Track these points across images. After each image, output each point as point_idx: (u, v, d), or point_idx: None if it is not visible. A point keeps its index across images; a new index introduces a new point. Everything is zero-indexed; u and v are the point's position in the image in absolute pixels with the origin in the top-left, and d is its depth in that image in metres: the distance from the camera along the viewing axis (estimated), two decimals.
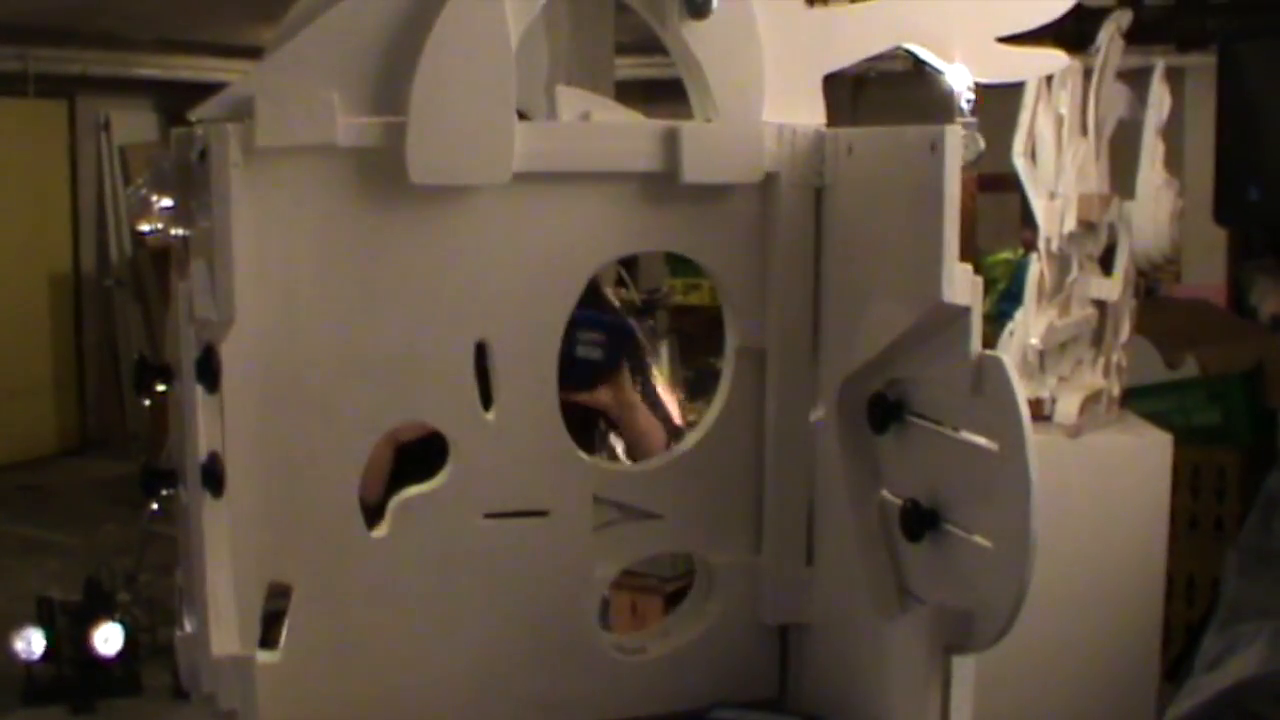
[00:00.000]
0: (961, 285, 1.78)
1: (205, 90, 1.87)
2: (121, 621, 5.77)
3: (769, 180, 2.07)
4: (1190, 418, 5.39)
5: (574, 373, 2.34)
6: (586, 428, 2.63)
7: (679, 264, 6.93)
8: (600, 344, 2.54)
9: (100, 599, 5.83)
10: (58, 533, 8.05)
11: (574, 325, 2.17)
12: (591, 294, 2.21)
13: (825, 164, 2.07)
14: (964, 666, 1.87)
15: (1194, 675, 2.85)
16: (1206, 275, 6.92)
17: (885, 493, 2.01)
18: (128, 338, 10.34)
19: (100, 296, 10.54)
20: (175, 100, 8.46)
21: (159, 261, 9.61)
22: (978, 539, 1.81)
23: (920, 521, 1.89)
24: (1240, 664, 2.70)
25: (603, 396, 2.71)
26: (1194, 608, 5.12)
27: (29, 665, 5.73)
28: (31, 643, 5.68)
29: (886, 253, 1.92)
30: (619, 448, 2.93)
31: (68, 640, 5.72)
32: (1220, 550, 3.91)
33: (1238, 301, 6.89)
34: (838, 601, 2.08)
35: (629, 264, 6.90)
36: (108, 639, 5.67)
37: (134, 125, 10.36)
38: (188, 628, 1.91)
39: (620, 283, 6.33)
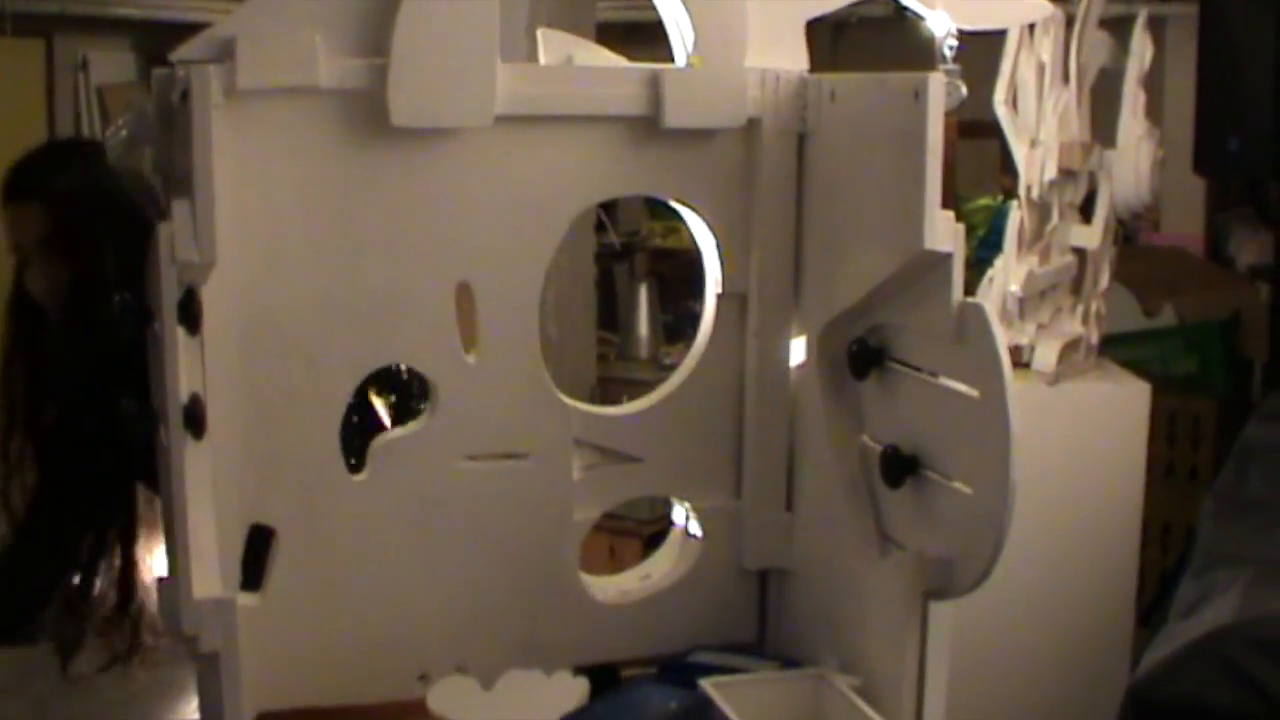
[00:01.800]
0: (943, 232, 1.79)
1: (184, 30, 1.86)
2: None
3: (751, 125, 2.07)
4: (1168, 366, 5.40)
5: None
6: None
7: (658, 207, 6.89)
8: None
9: None
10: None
11: None
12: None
13: (808, 110, 2.07)
14: (942, 612, 1.88)
15: (1169, 622, 2.88)
16: (1185, 224, 6.90)
17: (865, 438, 2.02)
18: None
19: None
20: (154, 40, 8.37)
21: None
22: (957, 485, 1.82)
23: (900, 467, 1.90)
24: (1215, 611, 2.72)
25: None
26: (1169, 555, 5.14)
27: None
28: None
29: (868, 199, 1.93)
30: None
31: None
32: (1196, 498, 3.93)
33: (1215, 251, 6.89)
34: (817, 546, 2.10)
35: (608, 206, 6.86)
36: None
37: (112, 65, 10.23)
38: (168, 570, 1.92)
39: (599, 226, 6.31)
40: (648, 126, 2.03)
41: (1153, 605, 4.58)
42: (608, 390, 5.44)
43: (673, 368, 2.22)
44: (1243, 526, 3.29)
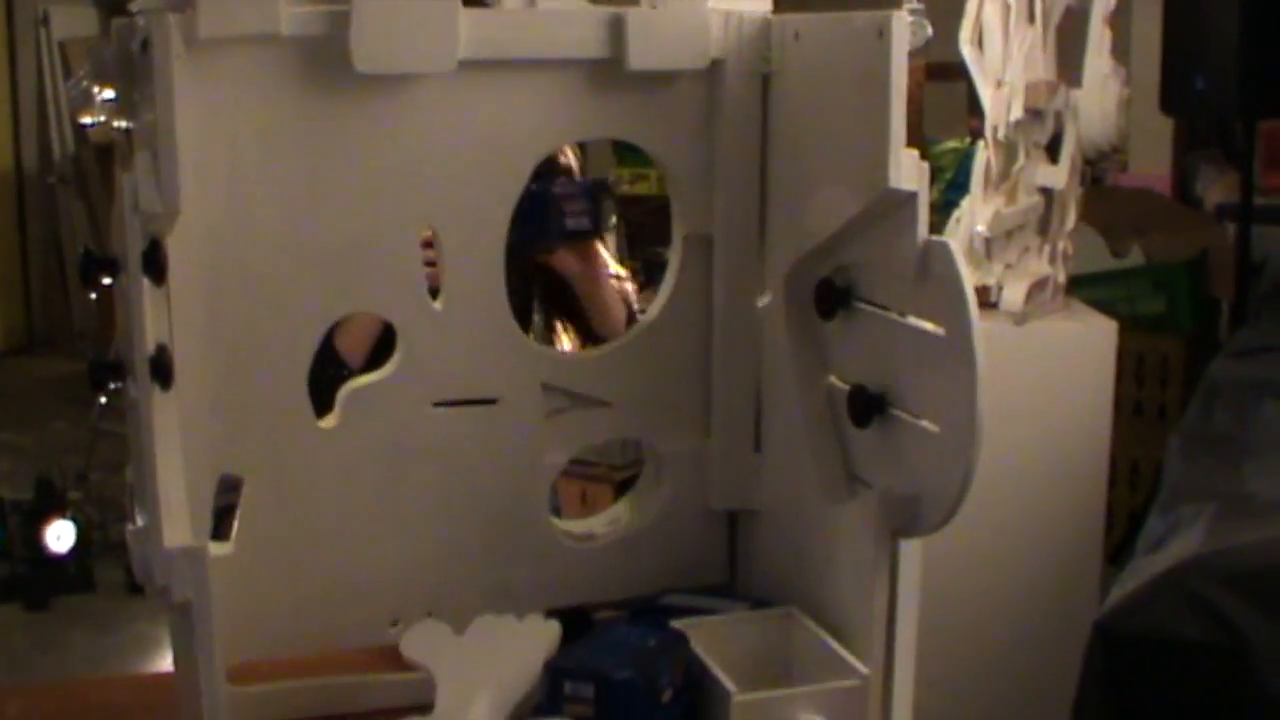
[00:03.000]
0: (908, 170, 1.79)
1: None
2: (73, 519, 5.76)
3: (715, 67, 2.07)
4: (1135, 306, 5.43)
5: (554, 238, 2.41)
6: (523, 316, 2.60)
7: (626, 153, 6.90)
8: (588, 212, 2.57)
9: (51, 497, 5.82)
10: (6, 431, 8.01)
11: (558, 199, 2.20)
12: (547, 160, 2.21)
13: (772, 50, 2.06)
14: (911, 550, 1.89)
15: (1136, 557, 2.91)
16: (1152, 164, 6.91)
17: (832, 378, 2.02)
18: (72, 235, 10.23)
19: (43, 194, 10.42)
20: None
21: (103, 157, 9.51)
22: (924, 424, 1.82)
23: (867, 407, 1.90)
24: (1180, 545, 2.75)
25: (572, 265, 2.73)
26: (1137, 493, 5.19)
27: None
28: None
29: (833, 139, 1.93)
30: (562, 342, 2.94)
31: (19, 539, 5.71)
32: (1164, 437, 3.96)
33: (1183, 190, 6.90)
34: (786, 487, 2.10)
35: None
36: (60, 536, 5.67)
37: (73, 20, 10.19)
38: (139, 522, 1.92)
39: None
40: (611, 69, 2.02)
41: (1121, 544, 4.62)
42: None
43: (641, 313, 2.23)
44: (1208, 462, 3.31)
